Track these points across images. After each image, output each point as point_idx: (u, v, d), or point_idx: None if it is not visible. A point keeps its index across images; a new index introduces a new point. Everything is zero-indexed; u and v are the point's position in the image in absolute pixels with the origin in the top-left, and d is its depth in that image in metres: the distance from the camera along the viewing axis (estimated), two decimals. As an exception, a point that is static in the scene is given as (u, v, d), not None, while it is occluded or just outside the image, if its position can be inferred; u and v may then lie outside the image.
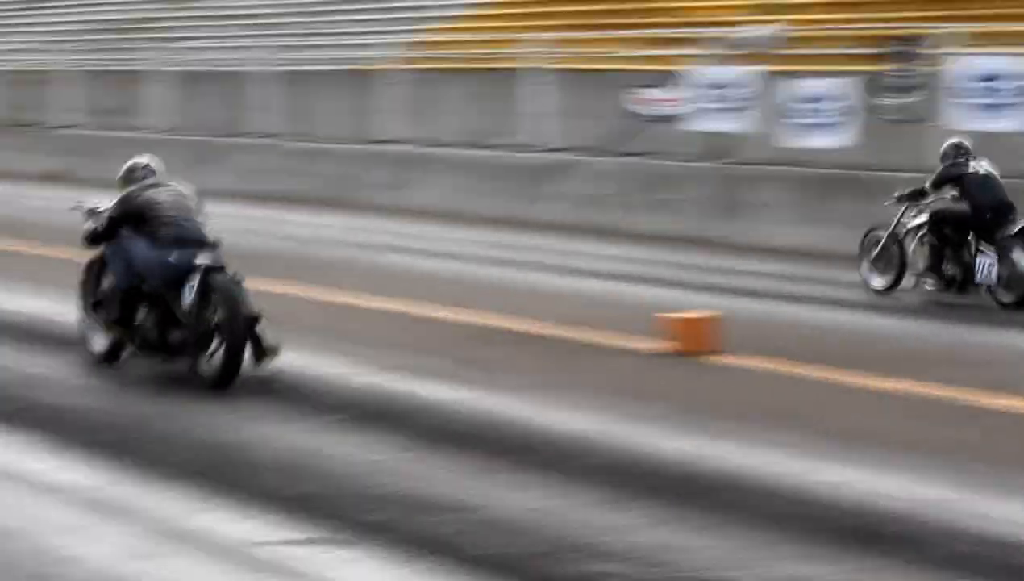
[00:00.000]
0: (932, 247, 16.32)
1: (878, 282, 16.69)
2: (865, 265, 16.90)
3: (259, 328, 11.18)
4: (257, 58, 31.80)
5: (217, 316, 11.08)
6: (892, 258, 16.66)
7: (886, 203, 16.89)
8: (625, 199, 23.87)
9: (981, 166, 16.27)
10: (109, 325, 11.86)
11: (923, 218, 16.49)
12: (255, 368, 11.19)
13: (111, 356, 11.98)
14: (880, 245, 16.74)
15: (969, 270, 15.94)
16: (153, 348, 11.58)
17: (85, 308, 12.26)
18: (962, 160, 16.32)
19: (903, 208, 16.73)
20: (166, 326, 11.38)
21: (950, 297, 16.12)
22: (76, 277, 12.47)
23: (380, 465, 9.13)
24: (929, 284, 16.35)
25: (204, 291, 11.11)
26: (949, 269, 16.17)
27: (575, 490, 8.66)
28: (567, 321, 14.57)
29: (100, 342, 12.06)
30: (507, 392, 11.35)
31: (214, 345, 11.09)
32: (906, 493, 8.60)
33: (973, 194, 16.08)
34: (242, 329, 11.02)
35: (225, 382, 11.05)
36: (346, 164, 28.82)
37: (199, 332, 11.13)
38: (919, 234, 16.49)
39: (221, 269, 11.29)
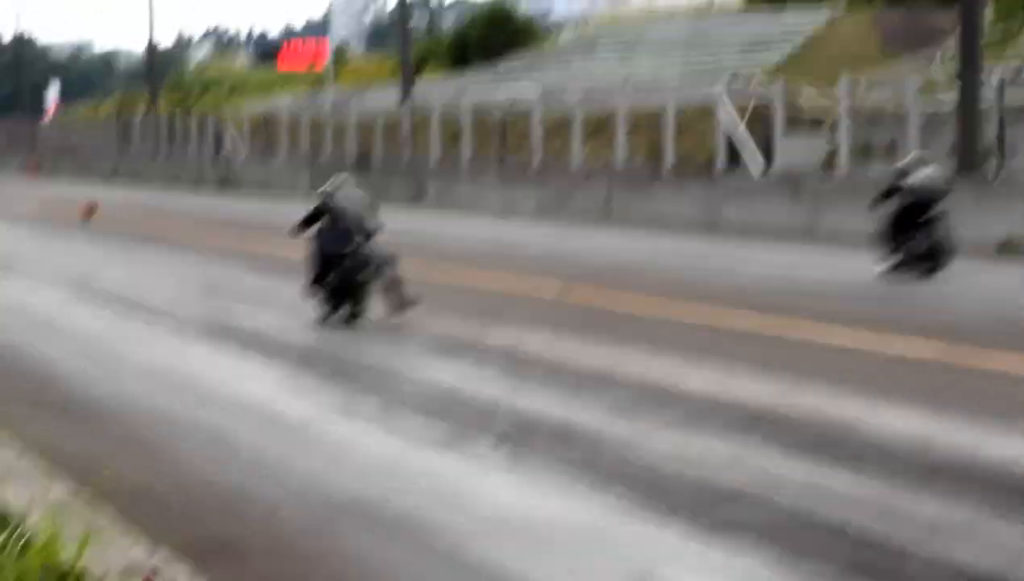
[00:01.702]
0: (888, 237, 22.85)
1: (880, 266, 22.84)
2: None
3: (400, 289, 17.16)
4: None
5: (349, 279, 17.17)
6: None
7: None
8: None
9: (918, 177, 22.73)
10: (308, 285, 17.37)
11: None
12: (390, 317, 17.16)
13: (323, 318, 17.12)
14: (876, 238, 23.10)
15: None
16: (337, 297, 17.17)
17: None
18: (901, 177, 22.89)
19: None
20: (339, 286, 17.34)
21: (903, 271, 22.50)
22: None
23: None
24: (888, 262, 22.75)
25: (352, 264, 17.21)
26: (900, 251, 22.64)
27: None
28: None
29: (318, 308, 17.22)
30: None
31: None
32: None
33: (906, 199, 22.70)
34: (356, 289, 16.85)
35: (350, 321, 16.89)
36: None
37: (344, 289, 17.23)
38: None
39: (363, 251, 17.20)
